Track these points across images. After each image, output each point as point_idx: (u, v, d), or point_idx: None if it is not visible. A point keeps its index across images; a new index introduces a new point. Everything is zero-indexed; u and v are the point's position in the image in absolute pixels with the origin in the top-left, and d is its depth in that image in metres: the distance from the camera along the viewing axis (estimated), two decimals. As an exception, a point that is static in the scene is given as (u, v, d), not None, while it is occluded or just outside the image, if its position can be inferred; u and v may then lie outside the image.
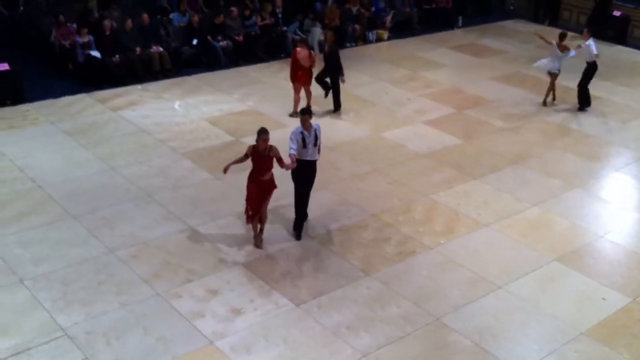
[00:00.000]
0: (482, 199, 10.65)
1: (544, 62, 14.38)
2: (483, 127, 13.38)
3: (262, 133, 8.69)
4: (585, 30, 14.36)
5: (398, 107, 14.22)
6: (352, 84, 14.67)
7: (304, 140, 9.04)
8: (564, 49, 14.06)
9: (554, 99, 14.60)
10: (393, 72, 16.31)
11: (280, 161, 8.78)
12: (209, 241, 9.20)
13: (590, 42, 13.92)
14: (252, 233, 9.24)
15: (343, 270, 8.74)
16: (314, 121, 9.26)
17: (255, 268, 8.66)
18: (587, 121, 13.92)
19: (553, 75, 14.26)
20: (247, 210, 8.99)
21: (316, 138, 9.13)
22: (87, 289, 8.12)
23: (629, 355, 7.54)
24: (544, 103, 14.47)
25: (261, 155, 8.75)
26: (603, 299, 8.48)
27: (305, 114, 9.15)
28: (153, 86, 14.64)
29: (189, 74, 15.44)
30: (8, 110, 12.97)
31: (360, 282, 8.53)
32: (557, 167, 11.84)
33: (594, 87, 15.81)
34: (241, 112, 13.45)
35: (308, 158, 9.17)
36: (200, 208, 9.98)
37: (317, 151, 9.26)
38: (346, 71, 15.45)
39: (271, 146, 8.74)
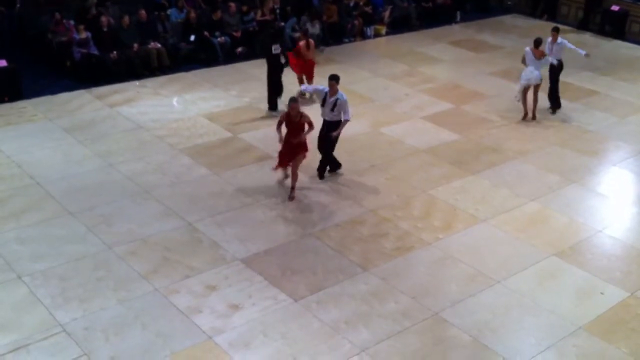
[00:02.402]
0: (480, 195, 10.66)
1: (528, 76, 12.96)
2: (481, 122, 13.38)
3: (291, 101, 9.76)
4: (552, 31, 13.50)
5: (396, 102, 14.22)
6: (350, 79, 14.68)
7: (324, 100, 10.43)
8: (541, 55, 12.93)
9: (533, 115, 13.39)
10: (391, 67, 16.29)
11: (310, 125, 9.87)
12: (207, 237, 9.19)
13: (561, 40, 13.40)
14: (251, 228, 9.44)
15: (341, 266, 8.75)
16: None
17: (253, 264, 8.67)
18: (585, 116, 13.91)
19: (536, 86, 13.08)
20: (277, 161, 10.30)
21: (334, 105, 10.33)
22: (86, 285, 8.12)
23: (627, 350, 7.55)
24: (534, 116, 13.33)
25: (292, 120, 9.78)
26: (601, 293, 8.49)
27: (333, 80, 10.34)
28: (151, 82, 14.62)
29: (186, 70, 15.42)
30: (6, 107, 12.95)
31: (359, 278, 8.53)
32: (556, 162, 11.85)
33: (592, 82, 15.87)
34: (239, 108, 13.43)
35: (324, 117, 10.57)
36: (199, 204, 9.98)
37: (334, 116, 10.45)
38: (344, 66, 15.55)
39: (302, 113, 9.81)
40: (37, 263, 8.46)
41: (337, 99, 10.33)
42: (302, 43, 13.78)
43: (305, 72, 13.86)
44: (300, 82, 13.77)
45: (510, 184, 11.01)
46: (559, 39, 13.48)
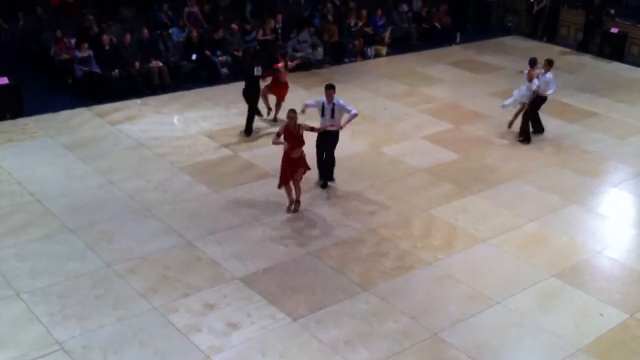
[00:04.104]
0: (480, 214, 10.66)
1: (520, 94, 13.28)
2: (481, 142, 13.41)
3: (290, 112, 9.94)
4: (545, 61, 13.42)
5: (397, 122, 14.27)
6: (351, 99, 14.68)
7: (323, 109, 10.72)
8: (530, 78, 13.07)
9: (509, 123, 13.76)
10: (392, 87, 16.37)
11: (312, 129, 10.25)
12: (207, 255, 9.19)
13: (550, 75, 13.23)
14: (251, 246, 9.40)
15: (341, 285, 8.73)
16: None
17: (252, 282, 8.65)
18: (585, 137, 13.95)
19: (523, 104, 13.29)
20: (279, 179, 10.24)
21: (333, 111, 10.61)
22: (84, 303, 8.10)
23: (627, 372, 7.53)
24: (510, 124, 13.67)
25: (291, 132, 9.92)
26: (600, 315, 8.46)
27: (330, 88, 10.67)
28: (152, 100, 14.68)
29: (188, 88, 15.48)
30: (7, 124, 12.99)
31: (358, 297, 8.51)
32: (555, 183, 11.86)
33: (592, 103, 15.92)
34: (240, 127, 13.44)
35: (325, 126, 10.70)
36: (198, 222, 9.98)
37: (334, 122, 10.70)
38: (345, 86, 15.59)
39: (300, 125, 9.99)
40: (35, 280, 8.44)
41: (334, 104, 10.67)
42: (280, 64, 13.59)
43: (279, 94, 13.67)
44: (267, 105, 13.67)
45: (510, 204, 11.02)
46: (549, 74, 13.25)
